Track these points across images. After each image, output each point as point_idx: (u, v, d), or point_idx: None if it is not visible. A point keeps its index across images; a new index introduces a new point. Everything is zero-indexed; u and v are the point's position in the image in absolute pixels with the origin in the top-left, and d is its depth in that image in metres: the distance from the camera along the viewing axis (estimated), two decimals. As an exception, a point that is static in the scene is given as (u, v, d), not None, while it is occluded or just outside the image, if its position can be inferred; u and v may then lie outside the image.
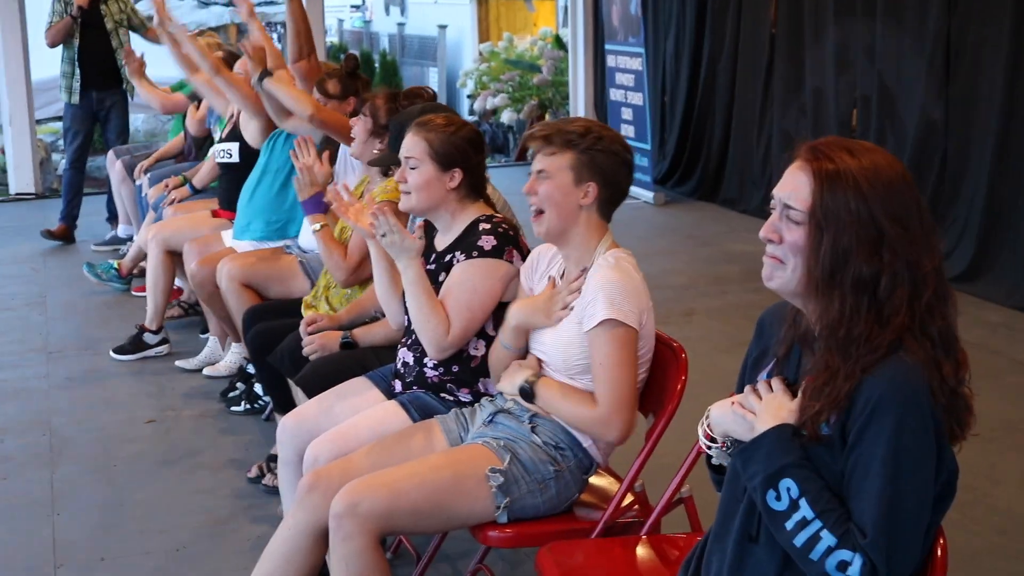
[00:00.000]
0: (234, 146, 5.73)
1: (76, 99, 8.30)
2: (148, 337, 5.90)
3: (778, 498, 2.00)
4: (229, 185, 5.81)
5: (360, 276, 4.17)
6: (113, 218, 8.34)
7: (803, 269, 2.05)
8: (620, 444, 2.93)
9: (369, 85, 5.19)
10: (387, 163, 4.00)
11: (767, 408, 2.08)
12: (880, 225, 1.99)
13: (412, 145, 3.33)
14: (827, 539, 1.96)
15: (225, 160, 5.80)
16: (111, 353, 5.90)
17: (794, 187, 2.06)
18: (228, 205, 5.78)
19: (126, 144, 8.38)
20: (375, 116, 4.24)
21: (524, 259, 3.23)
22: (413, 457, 2.99)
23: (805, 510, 1.98)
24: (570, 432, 2.95)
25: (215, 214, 5.88)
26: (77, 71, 8.23)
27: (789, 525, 1.99)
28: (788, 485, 2.00)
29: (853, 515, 1.97)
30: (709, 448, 2.20)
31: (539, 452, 2.92)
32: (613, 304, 2.81)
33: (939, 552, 2.13)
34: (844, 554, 1.95)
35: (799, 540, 1.98)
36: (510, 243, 3.25)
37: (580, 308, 2.89)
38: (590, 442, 2.95)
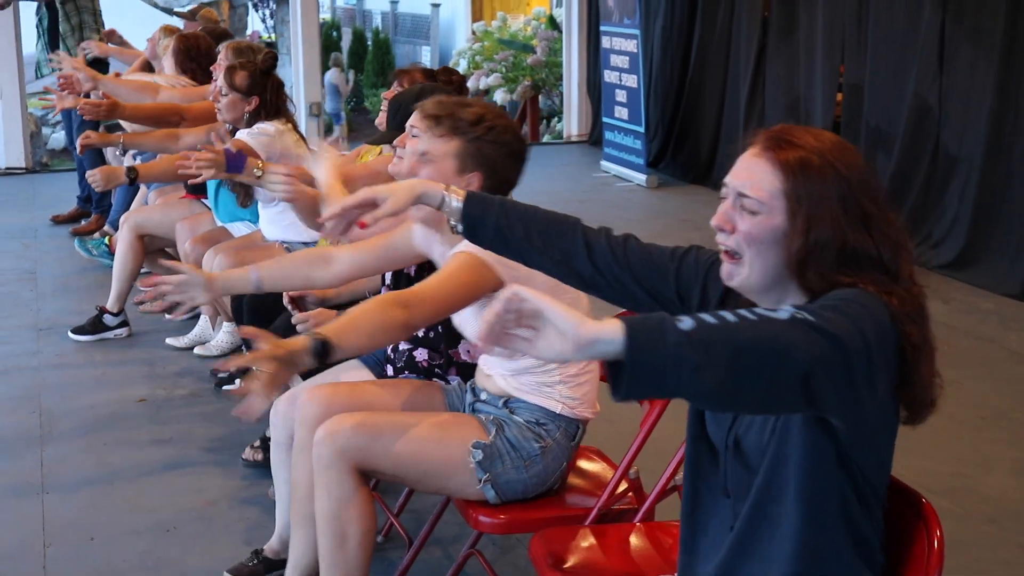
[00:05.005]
0: None
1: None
2: (108, 319, 5.87)
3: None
4: None
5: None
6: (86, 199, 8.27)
7: (761, 262, 1.98)
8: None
9: (281, 88, 5.07)
10: (384, 142, 4.01)
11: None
12: (861, 204, 1.95)
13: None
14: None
15: None
16: (69, 333, 5.89)
17: (750, 175, 1.98)
18: (194, 189, 5.79)
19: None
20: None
21: None
22: (411, 407, 3.05)
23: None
24: (544, 407, 2.95)
25: (184, 198, 5.87)
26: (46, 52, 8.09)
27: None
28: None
29: None
30: None
31: (524, 430, 2.94)
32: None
33: (936, 543, 2.12)
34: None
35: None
36: None
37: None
38: (561, 406, 2.95)
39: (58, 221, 8.33)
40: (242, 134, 4.90)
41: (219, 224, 5.36)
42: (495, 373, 3.04)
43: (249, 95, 4.94)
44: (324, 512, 2.91)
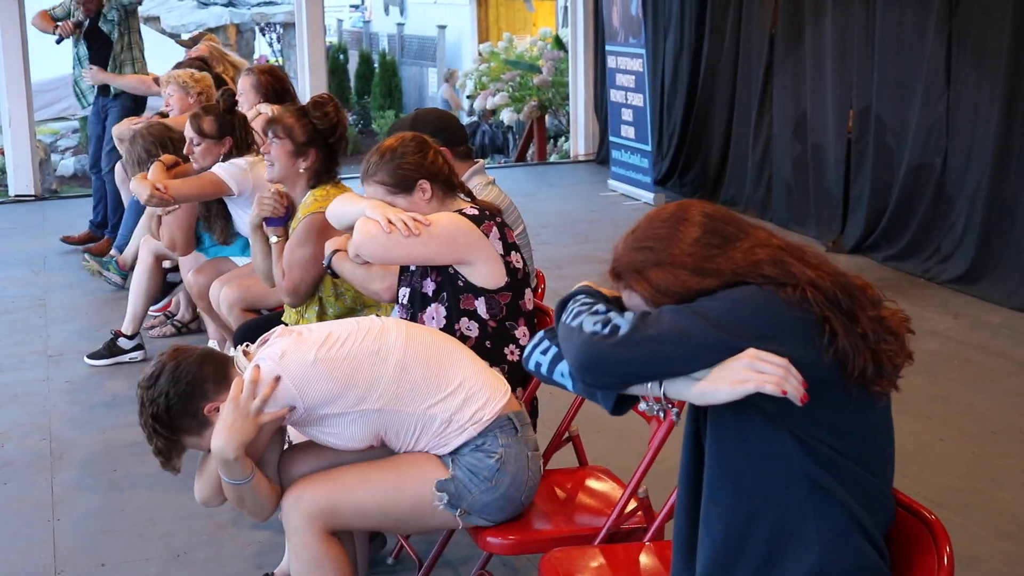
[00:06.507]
0: None
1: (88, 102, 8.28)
2: (123, 342, 5.88)
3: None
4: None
5: (301, 296, 4.12)
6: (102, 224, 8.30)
7: None
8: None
9: (246, 123, 5.13)
10: None
11: None
12: (719, 262, 2.15)
13: (372, 195, 3.38)
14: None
15: None
16: (85, 358, 5.89)
17: (636, 308, 2.21)
18: None
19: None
20: (292, 136, 4.06)
21: (503, 243, 3.30)
22: (362, 457, 3.02)
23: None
24: (468, 440, 2.93)
25: None
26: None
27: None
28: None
29: None
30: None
31: (474, 453, 2.94)
32: None
33: (945, 560, 2.11)
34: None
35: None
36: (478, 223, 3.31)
37: None
38: (473, 428, 2.92)
39: (69, 242, 8.34)
40: (216, 168, 4.93)
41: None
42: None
43: (221, 138, 4.99)
44: (298, 574, 2.94)
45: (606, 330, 2.10)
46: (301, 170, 4.09)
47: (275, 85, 5.80)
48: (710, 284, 2.13)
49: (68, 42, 8.18)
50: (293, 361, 2.83)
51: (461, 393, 2.93)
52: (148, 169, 5.20)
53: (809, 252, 2.19)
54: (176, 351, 2.98)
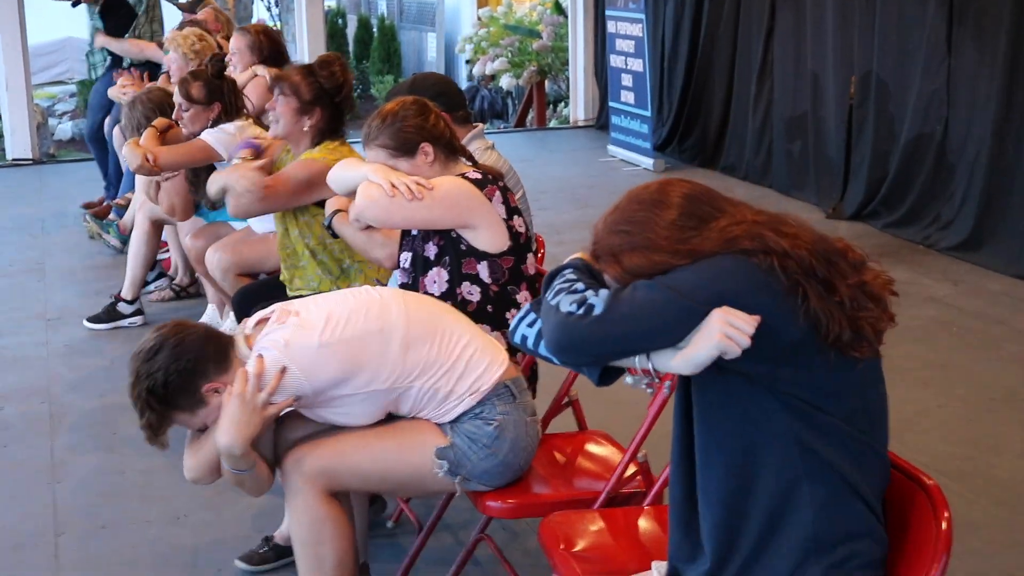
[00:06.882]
0: None
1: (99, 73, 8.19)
2: (122, 307, 5.88)
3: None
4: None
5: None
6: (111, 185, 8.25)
7: None
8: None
9: (235, 87, 5.10)
10: None
11: None
12: (693, 239, 2.14)
13: (374, 158, 3.38)
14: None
15: None
16: (85, 322, 5.89)
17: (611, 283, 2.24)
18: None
19: None
20: (298, 94, 4.07)
21: (505, 207, 3.29)
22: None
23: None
24: (467, 410, 2.94)
25: None
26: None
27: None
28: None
29: None
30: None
31: (473, 420, 2.94)
32: None
33: (943, 524, 2.12)
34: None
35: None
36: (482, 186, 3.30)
37: None
38: (471, 398, 2.92)
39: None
40: (204, 135, 4.92)
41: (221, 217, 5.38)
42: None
43: (210, 103, 4.96)
44: (297, 538, 2.96)
45: (580, 310, 2.12)
46: (306, 128, 4.10)
47: (271, 47, 5.77)
48: (684, 264, 2.14)
49: (82, 10, 8.11)
50: (299, 349, 2.82)
51: (461, 363, 2.93)
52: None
53: (789, 221, 2.18)
54: (178, 326, 2.95)
